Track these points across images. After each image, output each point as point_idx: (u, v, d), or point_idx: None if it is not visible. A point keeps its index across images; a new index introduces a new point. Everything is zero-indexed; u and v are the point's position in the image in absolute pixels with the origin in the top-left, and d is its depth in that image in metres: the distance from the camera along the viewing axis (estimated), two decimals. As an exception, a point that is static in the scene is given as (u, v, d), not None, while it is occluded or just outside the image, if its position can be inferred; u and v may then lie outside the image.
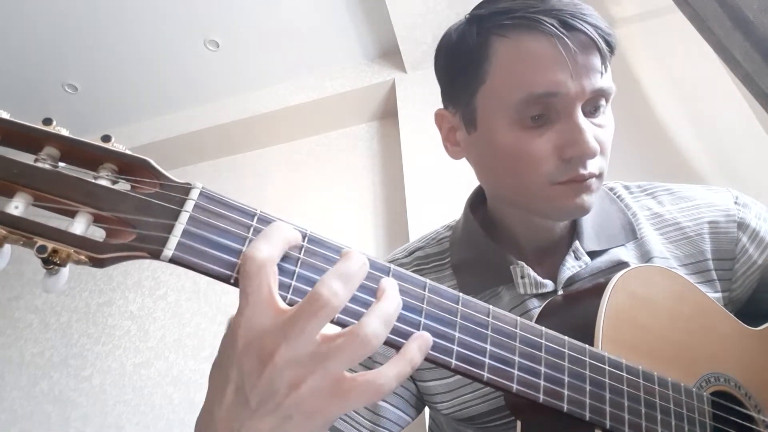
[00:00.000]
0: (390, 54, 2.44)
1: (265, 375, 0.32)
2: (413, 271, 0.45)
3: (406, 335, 0.37)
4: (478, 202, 0.71)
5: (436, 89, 0.65)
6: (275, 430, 0.32)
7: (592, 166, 0.54)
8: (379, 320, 0.34)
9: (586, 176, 0.54)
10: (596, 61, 0.53)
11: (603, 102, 0.55)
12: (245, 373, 0.32)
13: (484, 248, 0.65)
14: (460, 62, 0.59)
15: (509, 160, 0.56)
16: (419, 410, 0.67)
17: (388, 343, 0.36)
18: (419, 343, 0.37)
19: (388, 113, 2.55)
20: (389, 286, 0.36)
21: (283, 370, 0.32)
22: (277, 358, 0.32)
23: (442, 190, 2.01)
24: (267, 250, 0.33)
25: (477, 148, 0.61)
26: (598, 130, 0.54)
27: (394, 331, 0.36)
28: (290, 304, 0.34)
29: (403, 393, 0.64)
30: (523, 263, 0.61)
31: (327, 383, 0.33)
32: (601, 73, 0.53)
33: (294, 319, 0.32)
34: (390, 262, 0.57)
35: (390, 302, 0.35)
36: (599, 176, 0.56)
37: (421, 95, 2.30)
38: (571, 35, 0.51)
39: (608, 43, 0.53)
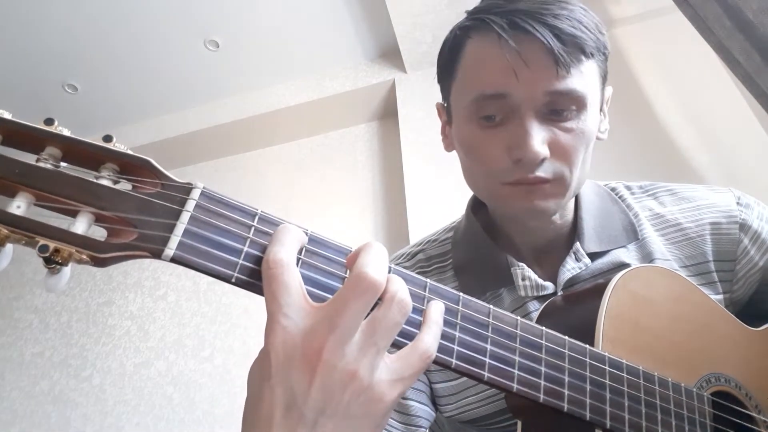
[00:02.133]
0: (390, 54, 2.44)
1: (317, 379, 0.30)
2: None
3: (410, 335, 0.37)
4: (479, 203, 0.71)
5: (436, 89, 0.66)
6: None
7: (543, 170, 0.53)
8: (400, 285, 0.35)
9: (532, 180, 0.53)
10: (548, 63, 0.51)
11: (572, 106, 0.53)
12: (294, 386, 0.30)
13: (485, 250, 0.65)
14: (442, 59, 0.62)
15: (468, 156, 0.58)
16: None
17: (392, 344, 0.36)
18: (434, 307, 0.38)
19: (388, 113, 2.55)
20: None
21: (335, 365, 0.31)
22: (325, 354, 0.30)
23: (442, 190, 2.01)
24: (285, 251, 0.33)
25: (454, 142, 0.63)
26: (561, 134, 0.53)
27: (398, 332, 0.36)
28: None
29: (425, 389, 0.64)
30: (524, 265, 0.61)
31: (380, 361, 0.33)
32: (562, 77, 0.51)
33: (340, 306, 0.31)
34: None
35: (397, 277, 0.36)
36: (554, 181, 0.54)
37: (420, 95, 2.30)
38: (519, 36, 0.51)
39: (574, 45, 0.51)
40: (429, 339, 0.36)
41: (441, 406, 0.64)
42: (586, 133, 0.55)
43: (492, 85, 0.53)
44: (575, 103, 0.53)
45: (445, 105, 0.64)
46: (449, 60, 0.59)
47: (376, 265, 0.33)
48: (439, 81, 0.64)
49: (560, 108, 0.53)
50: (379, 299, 0.34)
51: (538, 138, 0.52)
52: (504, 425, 0.60)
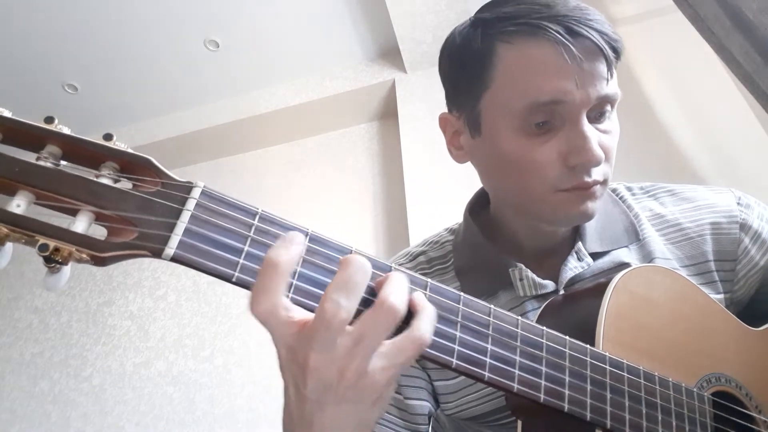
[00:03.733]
0: (390, 54, 2.44)
1: (308, 377, 0.34)
2: None
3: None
4: (479, 206, 0.71)
5: (436, 89, 0.65)
6: (339, 414, 0.36)
7: (597, 173, 0.54)
8: (396, 287, 0.36)
9: (591, 184, 0.54)
10: (602, 67, 0.52)
11: (608, 108, 0.55)
12: (295, 377, 0.36)
13: (483, 252, 0.65)
14: (464, 67, 0.59)
15: (513, 166, 0.56)
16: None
17: None
18: (418, 294, 0.39)
19: (388, 113, 2.55)
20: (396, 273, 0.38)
21: (320, 371, 0.34)
22: (311, 363, 0.34)
23: (442, 190, 2.01)
24: (270, 302, 0.34)
25: (481, 152, 0.61)
26: (603, 136, 0.54)
27: None
28: (294, 303, 0.35)
29: (425, 386, 0.65)
30: (522, 265, 0.61)
31: (369, 360, 0.35)
32: (607, 80, 0.53)
33: (312, 333, 0.34)
34: None
35: (400, 275, 0.37)
36: (603, 183, 0.55)
37: (421, 95, 2.30)
38: (577, 42, 0.51)
39: (614, 49, 0.53)
40: (423, 326, 0.36)
41: (441, 404, 0.64)
42: (618, 133, 0.57)
43: (549, 92, 0.51)
44: (612, 104, 0.55)
45: (460, 115, 0.61)
46: (478, 68, 0.56)
47: (339, 296, 0.34)
48: (457, 91, 0.61)
49: (603, 111, 0.55)
50: (371, 301, 0.35)
51: (596, 141, 0.52)
52: (504, 422, 0.60)
